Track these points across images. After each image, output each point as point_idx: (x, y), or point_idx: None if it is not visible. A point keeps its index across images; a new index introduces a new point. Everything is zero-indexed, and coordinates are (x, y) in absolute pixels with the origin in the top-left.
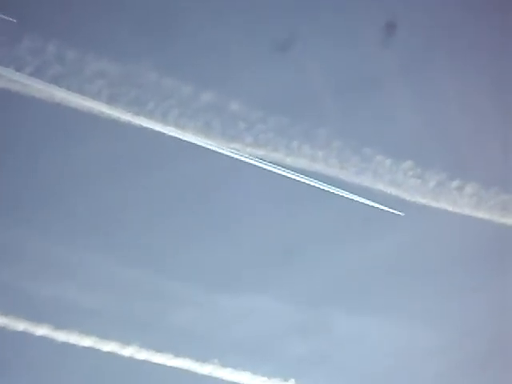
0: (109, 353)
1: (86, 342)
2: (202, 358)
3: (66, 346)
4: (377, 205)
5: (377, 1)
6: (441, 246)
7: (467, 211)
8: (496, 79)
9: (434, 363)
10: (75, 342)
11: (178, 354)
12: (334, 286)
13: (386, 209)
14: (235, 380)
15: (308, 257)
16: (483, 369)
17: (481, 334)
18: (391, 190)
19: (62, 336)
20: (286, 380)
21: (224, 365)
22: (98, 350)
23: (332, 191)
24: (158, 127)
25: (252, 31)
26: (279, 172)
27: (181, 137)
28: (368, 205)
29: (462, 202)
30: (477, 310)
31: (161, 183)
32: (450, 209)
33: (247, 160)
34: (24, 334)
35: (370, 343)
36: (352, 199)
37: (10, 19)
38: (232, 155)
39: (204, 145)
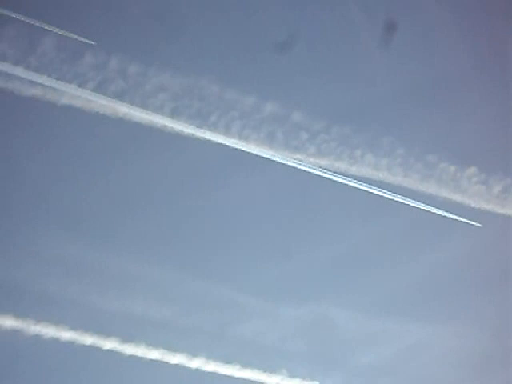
0: (176, 365)
1: (154, 354)
2: (270, 369)
3: (133, 358)
4: (442, 212)
5: None
6: (506, 252)
7: None
8: None
9: (501, 372)
10: (143, 355)
11: (245, 365)
12: (399, 294)
13: (452, 216)
14: None
15: (373, 265)
16: None
17: None
18: (456, 197)
19: (129, 349)
20: None
21: (292, 375)
22: (166, 363)
23: (396, 199)
24: (221, 139)
25: (314, 42)
26: (343, 181)
27: (244, 148)
28: (433, 212)
29: None
30: None
31: (226, 195)
32: None
33: (311, 170)
34: (92, 348)
35: (438, 352)
36: (417, 207)
37: (87, 41)
38: (295, 166)
39: (267, 156)
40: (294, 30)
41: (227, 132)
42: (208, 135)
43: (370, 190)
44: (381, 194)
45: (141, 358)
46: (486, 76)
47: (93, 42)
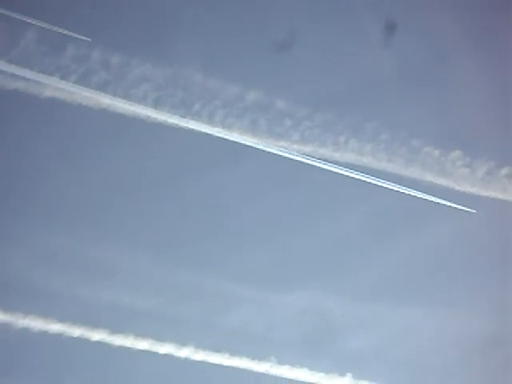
0: (165, 355)
1: (143, 344)
2: (259, 357)
3: (122, 349)
4: (427, 196)
5: None
6: (493, 234)
7: None
8: None
9: (492, 354)
10: (131, 346)
11: (234, 353)
12: (386, 279)
13: (437, 200)
14: (293, 377)
15: (359, 251)
16: None
17: None
18: (440, 181)
19: (118, 340)
20: (343, 375)
21: (281, 362)
22: (155, 353)
23: (381, 184)
24: (204, 128)
25: (289, 30)
26: (327, 168)
27: (228, 137)
28: (418, 197)
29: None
30: None
31: (209, 184)
32: (500, 196)
33: (295, 157)
34: (80, 340)
35: (427, 336)
36: (402, 192)
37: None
38: (280, 153)
39: (251, 144)
40: (275, 19)
41: (211, 121)
42: (191, 124)
43: (355, 176)
44: (365, 179)
45: (129, 349)
46: (469, 59)
47: (74, 34)
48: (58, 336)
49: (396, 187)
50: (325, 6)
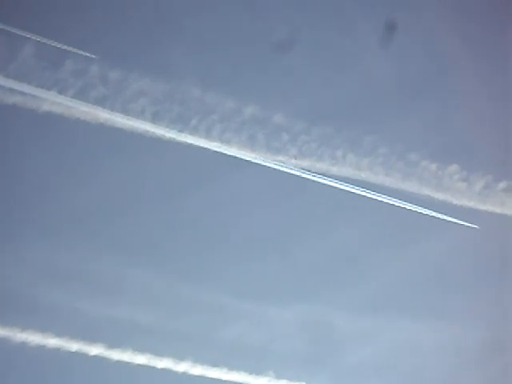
0: (163, 369)
1: (141, 359)
2: (257, 371)
3: (120, 364)
4: (425, 211)
5: None
6: (491, 248)
7: None
8: None
9: (488, 367)
10: (129, 360)
11: (232, 367)
12: (385, 293)
13: (435, 214)
14: None
15: (357, 265)
16: None
17: None
18: (438, 195)
19: (116, 354)
20: None
21: (279, 377)
22: (153, 367)
23: (379, 199)
24: (202, 143)
25: (288, 43)
26: (325, 182)
27: (226, 151)
28: (415, 211)
29: (509, 204)
30: None
31: (207, 199)
32: (498, 211)
33: (292, 171)
34: (78, 354)
35: (426, 348)
36: (399, 206)
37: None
38: (277, 167)
39: (249, 158)
40: (274, 33)
41: (208, 135)
42: (189, 139)
43: (352, 190)
44: (363, 193)
45: (128, 363)
46: (468, 73)
47: (73, 49)
48: (56, 350)
49: (393, 201)
50: (323, 19)
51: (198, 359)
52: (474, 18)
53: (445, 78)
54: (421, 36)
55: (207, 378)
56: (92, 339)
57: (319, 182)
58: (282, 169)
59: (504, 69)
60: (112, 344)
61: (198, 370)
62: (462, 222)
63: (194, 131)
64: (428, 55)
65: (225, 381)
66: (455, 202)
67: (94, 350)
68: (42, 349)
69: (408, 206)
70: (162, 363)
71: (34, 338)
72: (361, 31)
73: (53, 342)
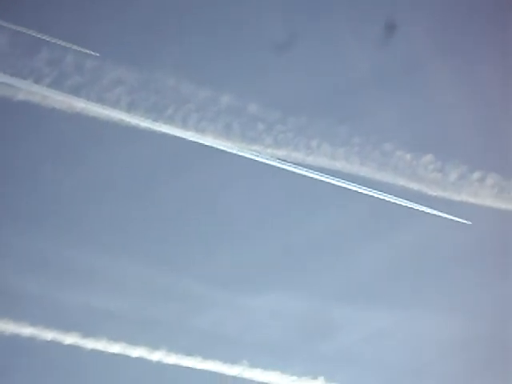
0: (138, 358)
1: (115, 348)
2: (231, 360)
3: (94, 353)
4: (399, 200)
5: None
6: (464, 237)
7: (489, 202)
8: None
9: (465, 356)
10: (104, 349)
11: (206, 356)
12: (358, 283)
13: (409, 204)
14: (265, 380)
15: (332, 254)
16: None
17: None
18: (412, 185)
19: (90, 343)
20: (315, 378)
21: (253, 365)
22: (127, 356)
23: (354, 188)
24: (178, 132)
25: (263, 32)
26: (300, 172)
27: (201, 141)
28: (390, 201)
29: (483, 194)
30: (507, 302)
31: (183, 188)
32: (472, 201)
33: (268, 161)
34: (53, 343)
35: (398, 339)
36: (374, 196)
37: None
38: (253, 157)
39: (225, 148)
40: (250, 24)
41: (184, 125)
42: (165, 128)
43: (328, 180)
44: (338, 183)
45: (102, 352)
46: (441, 63)
47: (48, 38)
48: (31, 339)
49: (368, 191)
50: (300, 13)
51: (173, 348)
52: (452, 14)
53: (419, 69)
54: (397, 28)
55: (182, 366)
56: (66, 328)
57: (294, 172)
58: (257, 158)
59: (475, 58)
60: (86, 333)
61: (172, 359)
62: (437, 212)
63: (169, 120)
64: (403, 46)
65: (199, 369)
66: (430, 192)
67: (69, 339)
68: (16, 338)
69: (383, 195)
70: (137, 352)
71: (8, 327)
72: (335, 22)
73: (27, 331)
